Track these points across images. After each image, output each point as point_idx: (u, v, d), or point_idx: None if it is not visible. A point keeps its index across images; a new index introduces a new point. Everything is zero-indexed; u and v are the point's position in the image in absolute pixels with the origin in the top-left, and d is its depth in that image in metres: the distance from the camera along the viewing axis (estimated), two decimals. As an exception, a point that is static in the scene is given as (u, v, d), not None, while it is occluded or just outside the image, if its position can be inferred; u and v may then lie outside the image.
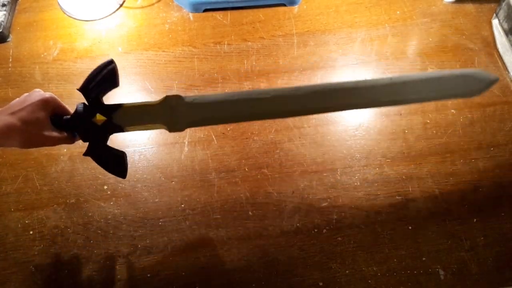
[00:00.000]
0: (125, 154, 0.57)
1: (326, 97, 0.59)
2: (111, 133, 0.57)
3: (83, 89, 0.55)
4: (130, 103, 0.57)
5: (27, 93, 0.54)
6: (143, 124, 0.57)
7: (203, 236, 0.67)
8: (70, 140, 0.57)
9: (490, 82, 0.60)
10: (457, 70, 0.62)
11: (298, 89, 0.59)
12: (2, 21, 0.87)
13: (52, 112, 0.55)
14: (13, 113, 0.50)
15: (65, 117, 0.56)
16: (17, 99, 0.53)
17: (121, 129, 0.56)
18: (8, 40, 0.88)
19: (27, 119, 0.51)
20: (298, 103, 0.58)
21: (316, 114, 0.63)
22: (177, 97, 0.58)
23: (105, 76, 0.56)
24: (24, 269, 0.64)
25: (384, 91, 0.59)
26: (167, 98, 0.57)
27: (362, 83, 0.59)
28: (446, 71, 0.62)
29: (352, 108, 0.60)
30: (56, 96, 0.55)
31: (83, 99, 0.57)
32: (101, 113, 0.56)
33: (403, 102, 0.60)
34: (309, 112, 0.61)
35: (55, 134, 0.54)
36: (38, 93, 0.54)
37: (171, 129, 0.58)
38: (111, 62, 0.56)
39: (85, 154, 0.56)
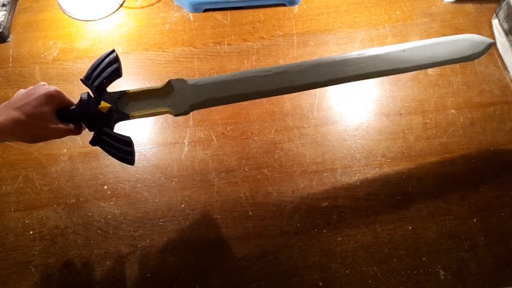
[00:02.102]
0: (131, 140, 0.57)
1: (325, 71, 0.60)
2: (117, 121, 0.57)
3: (87, 78, 0.56)
4: (134, 89, 0.58)
5: (32, 87, 0.54)
6: (148, 108, 0.57)
7: (203, 236, 0.67)
8: (77, 131, 0.57)
9: (487, 45, 0.63)
10: (453, 36, 0.65)
11: (300, 64, 0.60)
12: (2, 21, 0.87)
13: (57, 105, 0.55)
14: (18, 108, 0.50)
15: (71, 108, 0.56)
16: (22, 91, 0.53)
17: (126, 116, 0.57)
18: (8, 40, 0.88)
19: (32, 113, 0.51)
20: (303, 78, 0.59)
21: (316, 88, 0.62)
22: (180, 80, 0.58)
23: (107, 65, 0.57)
24: (24, 269, 0.64)
25: (387, 60, 0.61)
26: (170, 82, 0.58)
27: (361, 54, 0.61)
28: (443, 38, 0.64)
29: (358, 79, 0.61)
30: (61, 90, 0.55)
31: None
32: (106, 101, 0.56)
33: (409, 69, 0.62)
34: (311, 87, 0.61)
35: (61, 126, 0.54)
36: (43, 87, 0.54)
37: (177, 111, 0.58)
38: (112, 51, 0.57)
39: (92, 142, 0.56)
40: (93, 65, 0.57)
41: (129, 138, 0.57)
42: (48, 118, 0.52)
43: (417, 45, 0.63)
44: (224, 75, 0.59)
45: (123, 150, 0.56)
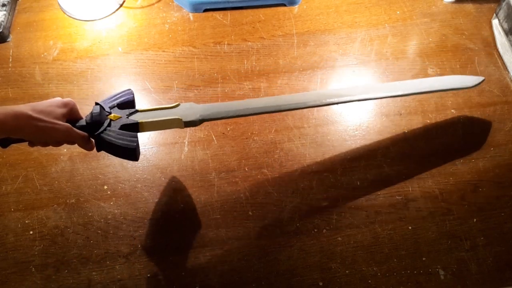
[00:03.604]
0: (137, 134, 0.58)
1: (330, 94, 0.66)
2: (124, 128, 0.58)
3: (101, 102, 0.59)
4: (145, 108, 0.60)
5: None
6: (158, 117, 0.59)
7: (203, 236, 0.67)
8: (86, 141, 0.56)
9: (477, 79, 0.73)
10: (446, 76, 0.76)
11: (308, 93, 0.68)
12: (2, 21, 0.87)
13: (69, 112, 0.55)
14: (28, 105, 0.51)
15: (80, 120, 0.58)
16: None
17: (136, 127, 0.57)
18: (8, 40, 0.88)
19: (42, 110, 0.51)
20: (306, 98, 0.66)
21: (322, 106, 0.69)
22: (190, 103, 0.62)
23: (123, 95, 0.60)
24: (24, 269, 0.64)
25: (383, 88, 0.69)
26: (180, 104, 0.62)
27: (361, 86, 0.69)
28: (436, 77, 0.76)
29: (375, 98, 0.69)
30: (74, 102, 0.56)
31: (84, 99, 0.58)
32: (117, 114, 0.58)
33: (402, 94, 0.70)
34: (315, 105, 0.66)
35: (69, 125, 0.54)
36: (58, 98, 0.56)
37: (187, 122, 0.59)
38: (129, 89, 0.61)
39: (95, 138, 0.56)
40: (110, 96, 0.61)
41: (134, 133, 0.58)
42: (57, 117, 0.53)
43: (413, 82, 0.71)
44: (231, 102, 0.65)
45: (127, 140, 0.56)
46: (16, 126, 0.49)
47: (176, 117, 0.59)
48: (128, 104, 0.60)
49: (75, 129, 0.55)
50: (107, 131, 0.55)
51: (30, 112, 0.50)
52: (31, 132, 0.51)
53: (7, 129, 0.49)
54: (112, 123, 0.57)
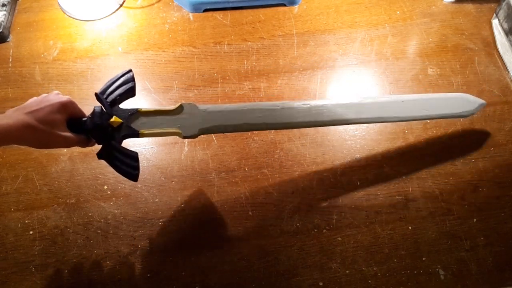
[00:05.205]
0: (138, 157, 0.58)
1: (335, 112, 0.63)
2: (126, 137, 0.58)
3: (102, 93, 0.57)
4: (146, 108, 0.59)
5: (45, 94, 0.54)
6: (158, 128, 0.58)
7: (203, 236, 0.67)
8: (85, 143, 0.57)
9: (479, 105, 0.70)
10: (449, 94, 0.71)
11: (307, 103, 0.63)
12: (2, 21, 0.87)
13: (69, 115, 0.55)
14: (29, 113, 0.50)
15: (83, 119, 0.57)
16: (35, 98, 0.54)
17: (136, 134, 0.57)
18: (8, 40, 0.88)
19: (44, 119, 0.51)
20: (309, 116, 0.62)
21: (321, 126, 0.66)
22: (192, 105, 0.60)
23: (123, 83, 0.58)
24: (24, 269, 0.64)
25: (385, 108, 0.65)
26: (182, 105, 0.60)
27: (366, 100, 0.65)
28: (439, 94, 0.71)
29: (357, 123, 0.65)
30: (74, 100, 0.56)
31: (84, 99, 0.57)
32: (118, 116, 0.57)
33: (402, 119, 0.67)
34: (316, 125, 0.64)
35: (70, 135, 0.54)
36: (57, 96, 0.54)
37: (185, 135, 0.59)
38: (129, 71, 0.59)
39: (99, 155, 0.56)
40: (109, 81, 0.58)
41: (136, 153, 0.58)
42: (58, 126, 0.52)
43: (415, 98, 0.68)
44: (233, 104, 0.62)
45: (129, 164, 0.57)
46: (19, 137, 0.49)
47: (176, 130, 0.58)
48: (129, 93, 0.59)
49: (74, 137, 0.55)
50: (108, 151, 0.56)
51: (34, 123, 0.49)
52: (34, 143, 0.51)
53: (11, 140, 0.49)
54: (115, 133, 0.56)
